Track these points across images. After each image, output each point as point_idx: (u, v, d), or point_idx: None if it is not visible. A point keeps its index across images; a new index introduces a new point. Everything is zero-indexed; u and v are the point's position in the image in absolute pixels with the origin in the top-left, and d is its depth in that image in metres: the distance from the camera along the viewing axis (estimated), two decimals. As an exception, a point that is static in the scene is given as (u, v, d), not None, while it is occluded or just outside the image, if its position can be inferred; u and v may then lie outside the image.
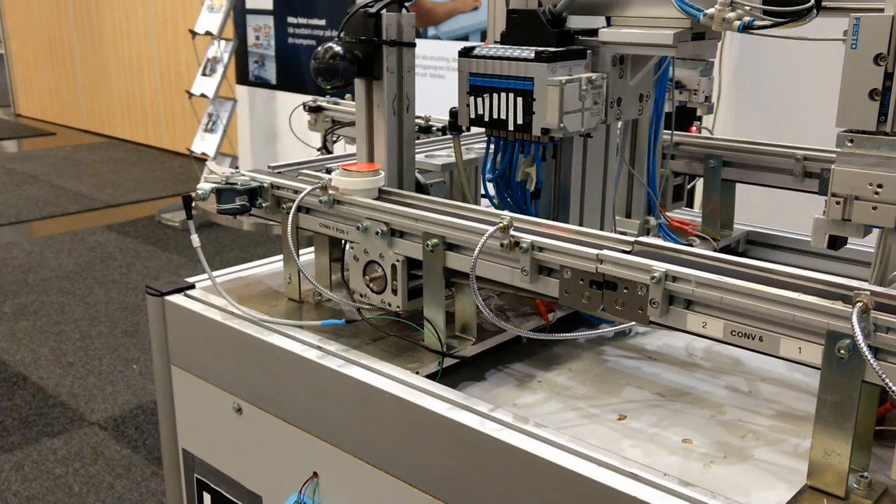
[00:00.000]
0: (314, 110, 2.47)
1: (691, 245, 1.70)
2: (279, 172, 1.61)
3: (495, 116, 1.35)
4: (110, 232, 6.36)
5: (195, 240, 1.52)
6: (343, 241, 1.52)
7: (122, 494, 3.11)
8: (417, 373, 1.26)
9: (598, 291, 1.11)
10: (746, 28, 1.21)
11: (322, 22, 6.21)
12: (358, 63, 1.42)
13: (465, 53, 1.37)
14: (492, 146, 1.44)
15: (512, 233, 1.17)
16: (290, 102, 6.55)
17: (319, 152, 2.31)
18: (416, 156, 1.57)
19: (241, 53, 6.85)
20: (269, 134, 6.84)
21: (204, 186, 1.48)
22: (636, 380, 1.33)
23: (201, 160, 6.42)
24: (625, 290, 1.08)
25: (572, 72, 1.32)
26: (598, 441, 1.13)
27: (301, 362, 1.32)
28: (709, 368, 1.37)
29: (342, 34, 1.44)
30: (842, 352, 0.92)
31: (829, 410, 0.95)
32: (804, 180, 1.67)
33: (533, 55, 1.29)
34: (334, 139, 2.45)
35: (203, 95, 6.77)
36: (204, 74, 6.86)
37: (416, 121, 1.98)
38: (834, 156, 1.08)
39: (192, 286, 1.59)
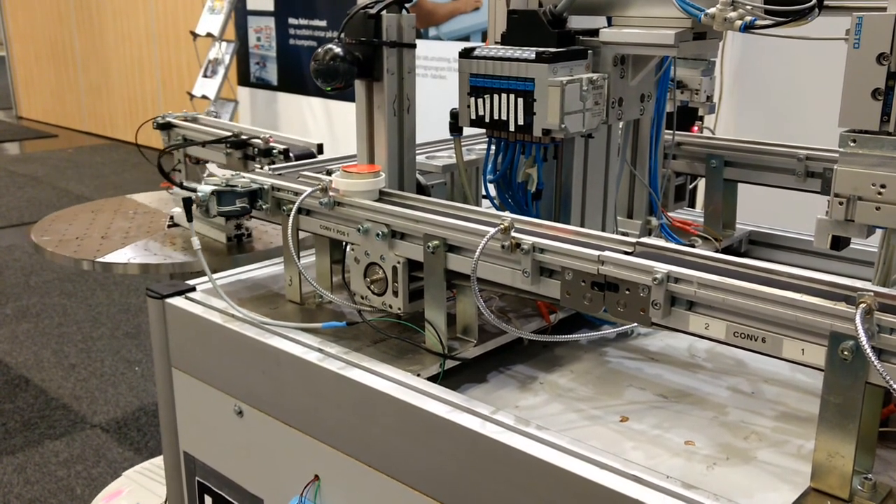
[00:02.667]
0: (163, 127, 2.27)
1: (693, 245, 1.70)
2: (280, 174, 1.60)
3: (496, 117, 1.34)
4: (112, 234, 6.36)
5: (195, 242, 1.52)
6: (344, 243, 1.52)
7: (124, 497, 3.10)
8: (418, 375, 1.26)
9: (599, 293, 1.11)
10: (748, 28, 1.20)
11: (323, 23, 6.21)
12: (358, 64, 1.42)
13: (466, 54, 1.37)
14: (493, 147, 1.44)
15: (513, 234, 1.17)
16: (292, 103, 6.58)
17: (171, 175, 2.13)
18: (417, 157, 1.57)
19: (242, 55, 6.86)
20: (271, 135, 6.84)
21: (204, 189, 1.48)
22: (638, 381, 1.33)
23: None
24: (626, 292, 1.08)
25: (573, 72, 1.31)
26: (600, 443, 1.12)
27: (302, 365, 1.31)
28: (711, 369, 1.37)
29: (342, 35, 1.44)
30: (845, 353, 0.91)
31: (832, 412, 0.94)
32: (806, 180, 1.66)
33: (534, 56, 1.28)
34: (195, 160, 2.20)
35: (204, 97, 6.77)
36: (205, 76, 6.86)
37: (255, 141, 1.88)
38: (836, 155, 1.08)
39: (193, 289, 1.58)
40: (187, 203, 1.52)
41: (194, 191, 1.90)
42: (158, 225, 2.34)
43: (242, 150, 1.95)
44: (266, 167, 1.62)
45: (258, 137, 1.88)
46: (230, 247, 2.08)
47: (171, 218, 2.29)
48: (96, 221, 2.39)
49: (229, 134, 2.03)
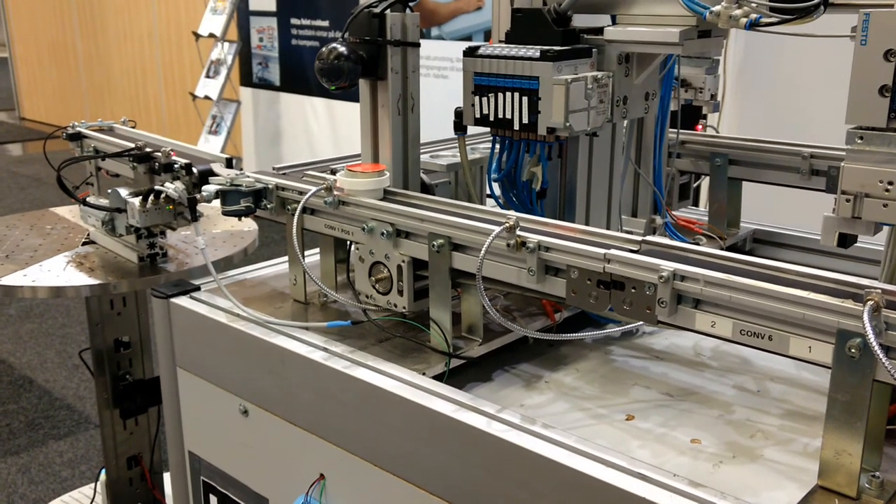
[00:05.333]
0: (74, 138, 2.13)
1: (698, 244, 1.70)
2: (284, 174, 1.60)
3: (500, 116, 1.34)
4: (115, 234, 6.36)
5: (200, 241, 1.52)
6: (348, 242, 1.52)
7: (128, 497, 3.10)
8: (424, 374, 1.25)
9: (605, 291, 1.11)
10: (753, 25, 1.20)
11: (325, 23, 6.21)
12: (362, 63, 1.41)
13: (470, 53, 1.37)
14: (497, 146, 1.44)
15: (518, 233, 1.17)
16: (295, 104, 6.58)
17: (79, 189, 1.97)
18: (421, 156, 1.57)
19: (244, 55, 6.85)
20: (274, 135, 6.85)
21: (209, 188, 1.48)
22: (644, 380, 1.32)
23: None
24: (632, 290, 1.08)
25: (578, 70, 1.31)
26: (607, 442, 1.12)
27: (307, 364, 1.31)
28: (717, 368, 1.37)
29: (346, 35, 1.43)
30: (852, 350, 0.91)
31: (839, 410, 0.94)
32: (811, 178, 1.66)
33: (538, 54, 1.28)
34: (114, 174, 2.03)
35: (207, 97, 6.78)
36: (207, 76, 6.86)
37: (157, 155, 1.75)
38: (841, 153, 1.08)
39: (198, 288, 1.58)
40: (192, 202, 1.52)
41: (97, 207, 1.84)
42: (73, 242, 2.14)
43: (147, 163, 1.81)
44: (167, 183, 1.56)
45: (160, 151, 1.74)
46: (142, 267, 1.92)
47: (88, 234, 2.12)
48: (8, 238, 2.20)
49: (132, 146, 1.87)
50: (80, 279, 1.88)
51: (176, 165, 1.67)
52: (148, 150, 1.82)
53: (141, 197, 1.62)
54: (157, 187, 1.60)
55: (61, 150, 2.14)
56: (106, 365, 2.30)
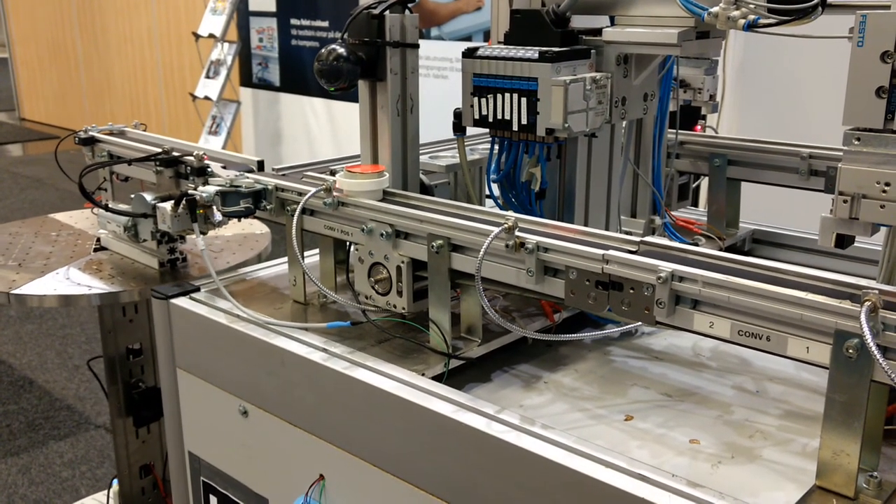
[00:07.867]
0: (86, 142, 2.09)
1: (697, 244, 1.70)
2: (283, 175, 1.60)
3: (499, 117, 1.34)
4: (115, 235, 6.36)
5: (200, 242, 1.52)
6: (348, 243, 1.52)
7: (128, 497, 3.11)
8: (423, 374, 1.26)
9: (603, 292, 1.11)
10: (751, 26, 1.20)
11: (325, 23, 6.21)
12: (361, 64, 1.42)
13: (469, 54, 1.37)
14: (496, 147, 1.44)
15: (517, 233, 1.17)
16: (294, 104, 6.58)
17: (95, 195, 1.93)
18: (420, 157, 1.57)
19: (244, 55, 6.86)
20: (273, 136, 6.85)
21: (208, 189, 1.48)
22: (643, 380, 1.33)
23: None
24: (631, 291, 1.08)
25: (576, 71, 1.31)
26: (606, 442, 1.12)
27: (306, 364, 1.31)
28: (716, 368, 1.37)
29: (345, 35, 1.44)
30: (850, 351, 0.91)
31: (837, 410, 0.94)
32: (810, 178, 1.66)
33: (537, 55, 1.29)
34: (123, 178, 2.04)
35: (207, 98, 6.78)
36: (207, 77, 6.87)
37: (188, 159, 1.71)
38: (839, 153, 1.08)
39: (197, 289, 1.58)
40: (191, 204, 1.52)
41: (121, 213, 1.82)
42: (83, 249, 2.09)
43: (174, 167, 1.77)
44: (199, 187, 1.56)
45: (191, 155, 1.70)
46: (163, 273, 1.89)
47: (98, 241, 2.07)
48: (15, 246, 2.15)
49: (159, 150, 1.83)
50: (100, 287, 1.84)
51: (209, 169, 1.64)
52: (175, 154, 1.78)
53: (173, 201, 1.60)
54: (190, 191, 1.59)
55: (62, 151, 2.14)
56: (118, 373, 2.27)
